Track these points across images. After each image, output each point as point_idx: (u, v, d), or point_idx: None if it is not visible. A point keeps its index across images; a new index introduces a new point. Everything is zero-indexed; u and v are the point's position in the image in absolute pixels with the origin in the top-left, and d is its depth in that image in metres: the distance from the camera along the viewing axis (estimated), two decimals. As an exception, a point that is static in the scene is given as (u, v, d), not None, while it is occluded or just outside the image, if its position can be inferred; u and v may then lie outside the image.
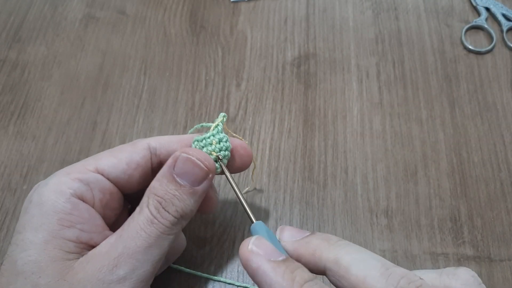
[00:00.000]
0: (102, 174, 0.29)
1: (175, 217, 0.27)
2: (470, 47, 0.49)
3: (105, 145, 0.44)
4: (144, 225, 0.27)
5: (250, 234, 0.28)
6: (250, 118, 0.46)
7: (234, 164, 0.33)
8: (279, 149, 0.44)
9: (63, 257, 0.26)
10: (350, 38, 0.51)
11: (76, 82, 0.49)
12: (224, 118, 0.32)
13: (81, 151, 0.44)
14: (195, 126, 0.35)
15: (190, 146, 0.31)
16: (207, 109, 0.47)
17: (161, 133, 0.45)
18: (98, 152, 0.44)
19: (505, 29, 0.50)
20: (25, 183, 0.42)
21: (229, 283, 0.37)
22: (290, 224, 0.40)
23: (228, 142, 0.31)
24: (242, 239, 0.38)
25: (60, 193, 0.27)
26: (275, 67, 0.49)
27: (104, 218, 0.29)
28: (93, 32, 0.53)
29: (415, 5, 0.54)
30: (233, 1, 0.55)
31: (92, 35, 0.52)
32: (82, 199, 0.28)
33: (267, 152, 0.44)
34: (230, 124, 0.46)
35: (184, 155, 0.28)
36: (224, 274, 0.37)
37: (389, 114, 0.46)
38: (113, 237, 0.27)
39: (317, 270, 0.25)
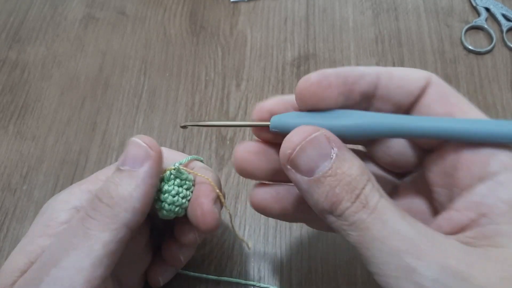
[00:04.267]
0: None
1: (107, 205, 0.24)
2: (470, 47, 0.49)
3: (105, 145, 0.44)
4: (73, 223, 0.24)
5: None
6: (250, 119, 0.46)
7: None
8: (279, 149, 0.44)
9: (22, 269, 0.24)
10: (350, 38, 0.51)
11: (76, 82, 0.49)
12: (176, 167, 0.28)
13: (81, 151, 0.44)
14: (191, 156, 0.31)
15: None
16: (207, 109, 0.47)
17: (161, 133, 0.45)
18: (98, 152, 0.44)
19: (505, 29, 0.50)
20: (25, 183, 0.42)
21: (235, 282, 0.37)
22: (290, 231, 0.40)
23: (177, 197, 0.28)
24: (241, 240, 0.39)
25: (64, 203, 0.26)
26: (275, 67, 0.49)
27: None
28: (93, 32, 0.53)
29: (415, 5, 0.54)
30: (233, 1, 0.55)
31: (92, 35, 0.52)
32: None
33: (267, 152, 0.44)
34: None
35: (129, 140, 0.26)
36: (224, 274, 0.37)
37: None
38: (50, 244, 0.25)
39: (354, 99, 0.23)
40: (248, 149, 0.26)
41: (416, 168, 0.26)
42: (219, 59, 0.50)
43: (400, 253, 0.19)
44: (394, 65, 0.49)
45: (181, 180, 0.28)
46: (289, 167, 0.22)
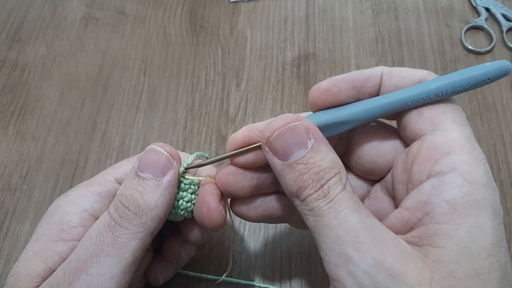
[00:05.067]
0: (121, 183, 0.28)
1: (135, 214, 0.24)
2: (470, 47, 0.49)
3: (105, 145, 0.44)
4: (101, 230, 0.24)
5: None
6: (250, 118, 0.46)
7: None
8: (279, 149, 0.44)
9: (40, 274, 0.24)
10: (350, 38, 0.51)
11: (76, 82, 0.49)
12: (180, 171, 0.28)
13: (81, 151, 0.44)
14: (196, 152, 0.31)
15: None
16: (207, 109, 0.47)
17: (161, 133, 0.45)
18: (98, 152, 0.44)
19: (505, 29, 0.50)
20: (25, 183, 0.42)
21: (234, 282, 0.37)
22: (290, 232, 0.40)
23: (181, 200, 0.28)
24: (242, 239, 0.39)
25: (74, 205, 0.26)
26: (275, 67, 0.49)
27: None
28: (93, 32, 0.53)
29: (415, 5, 0.54)
30: (233, 1, 0.55)
31: (92, 35, 0.52)
32: (97, 215, 0.27)
33: (267, 152, 0.44)
34: (230, 124, 0.46)
35: (147, 149, 0.26)
36: (225, 274, 0.37)
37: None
38: (76, 250, 0.25)
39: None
40: (228, 171, 0.28)
41: (385, 174, 0.28)
42: (219, 59, 0.50)
43: (343, 242, 0.21)
44: (394, 65, 0.49)
45: (185, 184, 0.28)
46: (267, 149, 0.24)
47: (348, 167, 0.30)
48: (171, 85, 0.48)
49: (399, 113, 0.26)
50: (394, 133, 0.27)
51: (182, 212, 0.28)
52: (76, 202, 0.26)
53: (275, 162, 0.24)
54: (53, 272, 0.25)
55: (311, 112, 0.28)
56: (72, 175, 0.43)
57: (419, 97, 0.24)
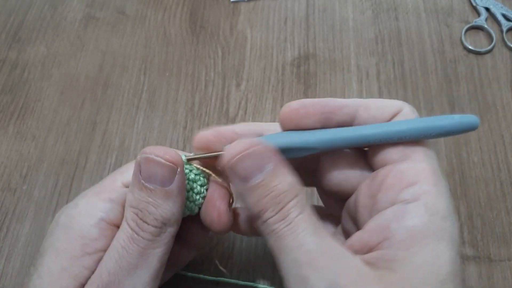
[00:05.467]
0: None
1: (155, 227, 0.25)
2: (470, 47, 0.49)
3: (105, 145, 0.44)
4: (125, 243, 0.24)
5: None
6: (250, 118, 0.46)
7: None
8: (279, 149, 0.44)
9: None
10: (350, 38, 0.51)
11: (76, 82, 0.49)
12: (185, 161, 0.27)
13: (81, 151, 0.44)
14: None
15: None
16: (207, 109, 0.47)
17: (161, 133, 0.45)
18: (98, 152, 0.44)
19: (505, 29, 0.50)
20: (25, 183, 0.42)
21: (233, 283, 0.37)
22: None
23: (191, 192, 0.28)
24: (241, 240, 0.39)
25: (89, 217, 0.26)
26: (275, 67, 0.49)
27: None
28: (93, 32, 0.53)
29: (415, 5, 0.54)
30: (233, 1, 0.55)
31: (92, 35, 0.52)
32: (114, 222, 0.26)
33: (267, 152, 0.44)
34: (230, 124, 0.45)
35: (144, 155, 0.25)
36: (223, 275, 0.37)
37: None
38: (101, 266, 0.25)
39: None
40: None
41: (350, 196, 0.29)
42: (219, 59, 0.50)
43: (300, 264, 0.22)
44: (394, 65, 0.49)
45: (195, 175, 0.28)
46: (228, 172, 0.25)
47: (319, 185, 0.30)
48: (171, 85, 0.48)
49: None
50: (361, 157, 0.28)
51: (190, 205, 0.28)
52: (91, 213, 0.26)
53: (237, 184, 0.24)
54: (83, 287, 0.25)
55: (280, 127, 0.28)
56: (72, 175, 0.43)
57: (383, 138, 0.25)
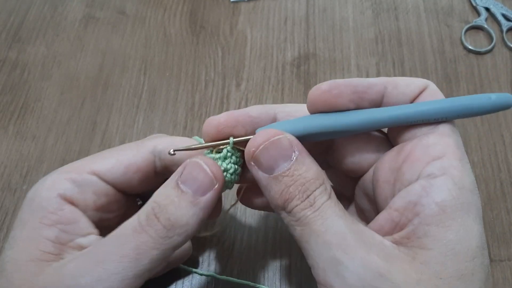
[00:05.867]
0: (98, 176, 0.28)
1: (164, 227, 0.24)
2: (470, 47, 0.49)
3: (105, 145, 0.44)
4: (127, 233, 0.24)
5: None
6: (250, 118, 0.46)
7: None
8: (279, 149, 0.44)
9: (39, 258, 0.25)
10: (350, 38, 0.51)
11: (76, 82, 0.49)
12: (231, 143, 0.27)
13: (81, 151, 0.44)
14: (194, 137, 0.31)
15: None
16: (207, 109, 0.47)
17: (161, 133, 0.45)
18: (98, 152, 0.44)
19: (505, 29, 0.50)
20: (25, 183, 0.42)
21: (232, 281, 0.37)
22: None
23: (234, 175, 0.28)
24: (242, 239, 0.39)
25: (49, 191, 0.27)
26: (275, 67, 0.49)
27: (102, 220, 0.28)
28: (93, 32, 0.53)
29: (415, 5, 0.54)
30: (233, 1, 0.55)
31: (92, 35, 0.52)
32: (71, 200, 0.27)
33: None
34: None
35: (193, 159, 0.25)
36: (224, 274, 0.37)
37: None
38: (96, 242, 0.26)
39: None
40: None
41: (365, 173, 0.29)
42: (219, 59, 0.50)
43: (331, 246, 0.22)
44: (394, 65, 0.49)
45: (236, 157, 0.28)
46: (252, 163, 0.24)
47: (330, 165, 0.30)
48: (171, 85, 0.48)
49: None
50: (376, 135, 0.28)
51: (231, 186, 0.28)
52: (51, 188, 0.27)
53: (260, 176, 0.24)
54: (49, 255, 0.25)
55: (297, 105, 0.28)
56: (72, 175, 0.43)
57: (420, 118, 0.24)
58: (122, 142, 0.45)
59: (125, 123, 0.46)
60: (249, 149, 0.24)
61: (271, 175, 0.24)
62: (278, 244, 0.38)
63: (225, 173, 0.27)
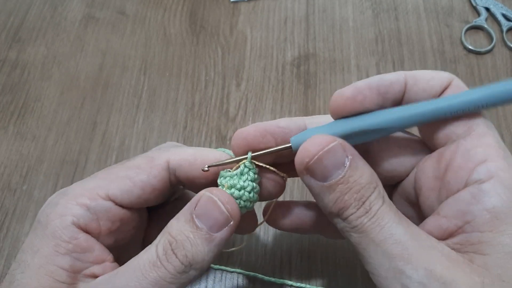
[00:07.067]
0: (113, 201, 0.27)
1: (182, 263, 0.24)
2: (470, 47, 0.49)
3: (105, 145, 0.44)
4: (145, 266, 0.24)
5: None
6: (250, 118, 0.46)
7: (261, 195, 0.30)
8: (279, 149, 0.44)
9: (51, 286, 0.25)
10: (350, 38, 0.51)
11: (76, 82, 0.49)
12: (249, 157, 0.26)
13: (81, 151, 0.44)
14: (218, 149, 0.30)
15: (215, 170, 0.28)
16: (207, 109, 0.47)
17: (161, 133, 0.45)
18: (98, 152, 0.44)
19: (505, 29, 0.50)
20: (25, 183, 0.42)
21: (239, 272, 0.37)
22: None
23: (252, 193, 0.27)
24: (242, 240, 0.38)
25: (63, 219, 0.26)
26: (275, 67, 0.49)
27: (116, 241, 0.28)
28: (93, 32, 0.53)
29: (415, 5, 0.54)
30: (233, 1, 0.55)
31: (92, 35, 0.52)
32: (85, 228, 0.27)
33: (267, 152, 0.44)
34: (230, 124, 0.45)
35: (207, 194, 0.25)
36: (251, 270, 0.37)
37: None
38: (110, 273, 0.25)
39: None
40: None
41: (403, 179, 0.28)
42: (219, 59, 0.50)
43: (392, 256, 0.21)
44: (394, 65, 0.49)
45: (254, 174, 0.27)
46: (305, 173, 0.24)
47: None
48: (171, 85, 0.48)
49: None
50: (412, 139, 0.27)
51: (250, 205, 0.27)
52: (65, 216, 0.26)
53: (313, 184, 0.24)
54: (63, 284, 0.25)
55: (325, 116, 0.27)
56: (72, 175, 0.43)
57: (459, 108, 0.23)
58: (122, 142, 0.45)
59: (125, 123, 0.46)
60: (302, 159, 0.23)
61: (325, 183, 0.23)
62: (278, 244, 0.38)
63: (242, 191, 0.27)
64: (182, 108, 0.47)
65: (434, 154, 0.25)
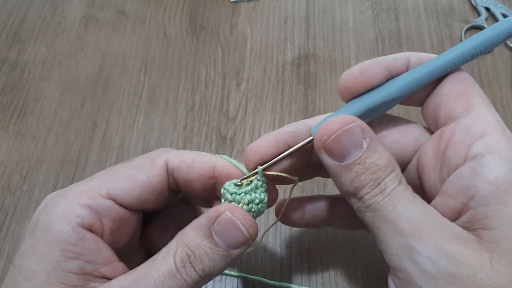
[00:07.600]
0: (114, 200, 0.27)
1: (199, 276, 0.25)
2: (470, 47, 0.49)
3: (105, 145, 0.44)
4: (164, 277, 0.24)
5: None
6: (250, 118, 0.46)
7: None
8: (279, 149, 0.44)
9: None
10: (350, 38, 0.51)
11: (76, 82, 0.49)
12: (260, 172, 0.27)
13: (81, 151, 0.44)
14: (221, 155, 0.29)
15: (212, 175, 0.28)
16: (207, 109, 0.47)
17: (161, 133, 0.45)
18: (98, 152, 0.44)
19: (505, 29, 0.50)
20: (25, 183, 0.42)
21: (264, 282, 0.37)
22: (290, 231, 0.40)
23: (260, 204, 0.27)
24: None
25: (66, 221, 0.26)
26: (275, 67, 0.49)
27: (115, 242, 0.28)
28: (93, 32, 0.53)
29: (415, 5, 0.54)
30: (233, 1, 0.55)
31: (92, 35, 0.52)
32: (90, 228, 0.26)
33: (267, 152, 0.44)
34: (230, 124, 0.45)
35: (228, 215, 0.25)
36: (255, 275, 0.37)
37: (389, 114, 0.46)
38: (127, 280, 0.25)
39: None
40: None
41: (406, 165, 0.29)
42: (219, 59, 0.50)
43: (403, 232, 0.22)
44: (394, 65, 0.49)
45: (263, 186, 0.27)
46: (322, 151, 0.24)
47: None
48: (171, 85, 0.48)
49: (427, 99, 0.26)
50: (412, 125, 0.28)
51: (257, 216, 0.28)
52: (68, 218, 0.26)
53: (331, 163, 0.24)
54: None
55: (327, 115, 0.27)
56: (72, 175, 0.43)
57: (461, 58, 0.25)
58: (122, 142, 0.45)
59: (125, 123, 0.46)
60: (320, 137, 0.24)
61: (342, 163, 0.23)
62: (278, 244, 0.38)
63: (260, 205, 0.27)
64: (182, 108, 0.47)
65: (435, 134, 0.26)
